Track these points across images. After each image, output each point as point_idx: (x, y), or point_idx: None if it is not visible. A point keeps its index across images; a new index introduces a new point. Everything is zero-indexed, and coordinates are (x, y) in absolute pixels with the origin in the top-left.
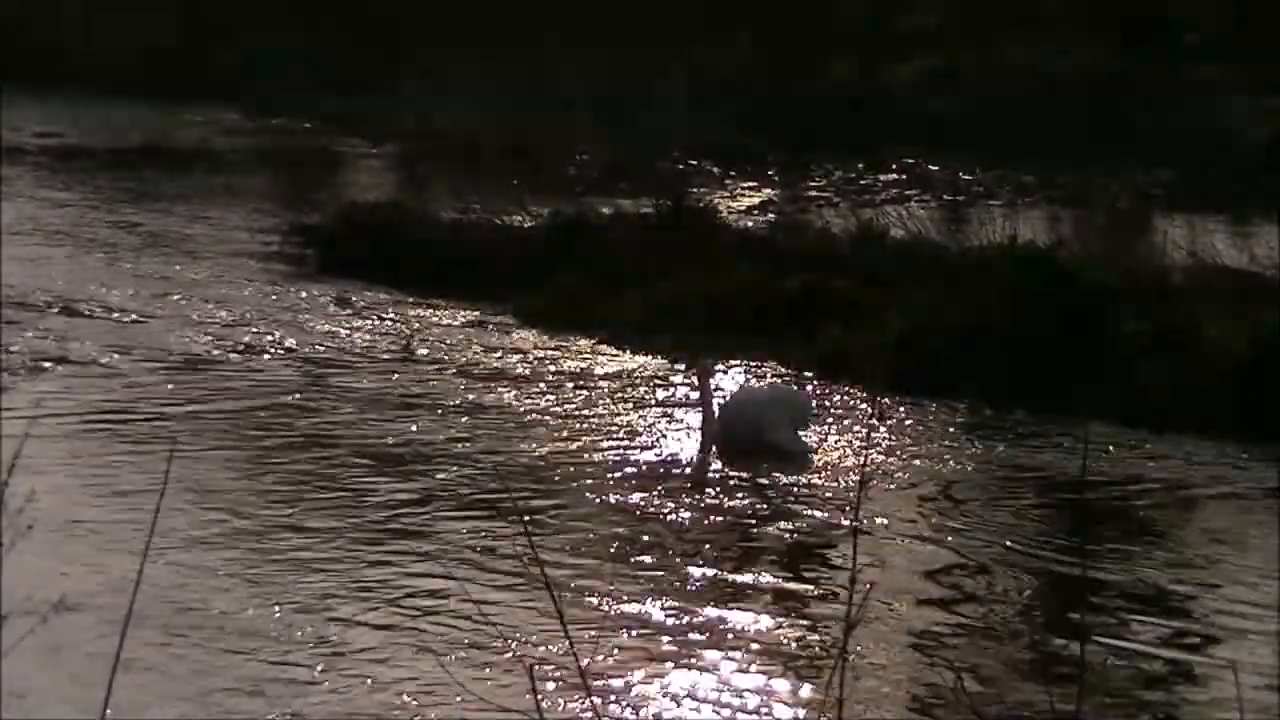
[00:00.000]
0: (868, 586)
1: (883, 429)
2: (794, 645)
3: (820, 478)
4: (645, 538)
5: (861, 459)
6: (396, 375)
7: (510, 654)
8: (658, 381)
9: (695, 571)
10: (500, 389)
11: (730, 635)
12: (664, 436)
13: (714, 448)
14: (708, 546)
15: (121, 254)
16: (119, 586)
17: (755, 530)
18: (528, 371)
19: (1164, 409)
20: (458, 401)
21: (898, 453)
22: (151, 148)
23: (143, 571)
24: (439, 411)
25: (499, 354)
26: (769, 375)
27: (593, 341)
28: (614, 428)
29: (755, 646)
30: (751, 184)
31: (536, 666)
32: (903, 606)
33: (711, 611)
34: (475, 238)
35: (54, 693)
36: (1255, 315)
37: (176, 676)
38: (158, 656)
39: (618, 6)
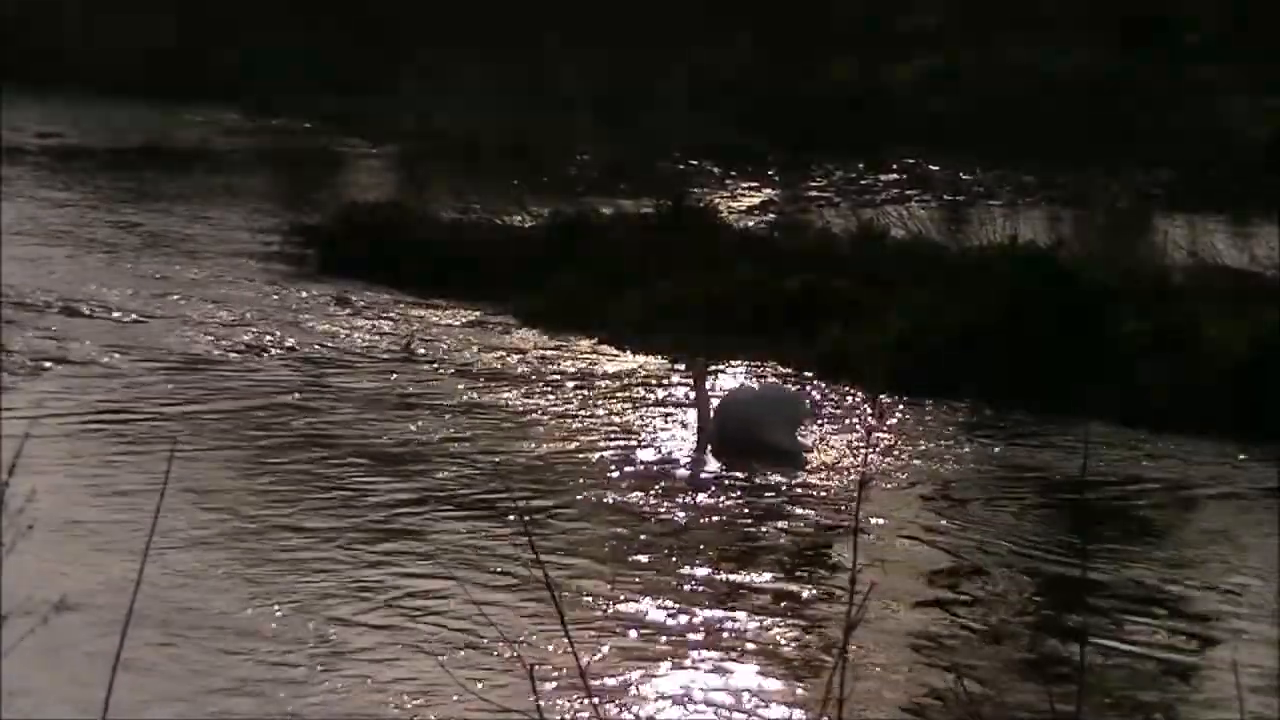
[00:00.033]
0: (868, 587)
1: (882, 429)
2: (793, 645)
3: (820, 478)
4: (645, 538)
5: (861, 459)
6: (396, 375)
7: (510, 654)
8: (658, 381)
9: (694, 571)
10: (500, 389)
11: (729, 635)
12: (663, 436)
13: (710, 447)
14: (707, 547)
15: (121, 254)
16: (118, 586)
17: (754, 530)
18: (528, 371)
19: (1164, 409)
20: (457, 401)
21: (897, 453)
22: (151, 148)
23: (143, 571)
24: (438, 411)
25: (499, 354)
26: (769, 375)
27: (593, 341)
28: (614, 428)
29: (754, 647)
30: (752, 184)
31: (536, 666)
32: (902, 607)
33: (711, 612)
34: (475, 238)
35: (53, 692)
36: (1255, 315)
37: (174, 676)
38: (156, 656)
39: (618, 6)
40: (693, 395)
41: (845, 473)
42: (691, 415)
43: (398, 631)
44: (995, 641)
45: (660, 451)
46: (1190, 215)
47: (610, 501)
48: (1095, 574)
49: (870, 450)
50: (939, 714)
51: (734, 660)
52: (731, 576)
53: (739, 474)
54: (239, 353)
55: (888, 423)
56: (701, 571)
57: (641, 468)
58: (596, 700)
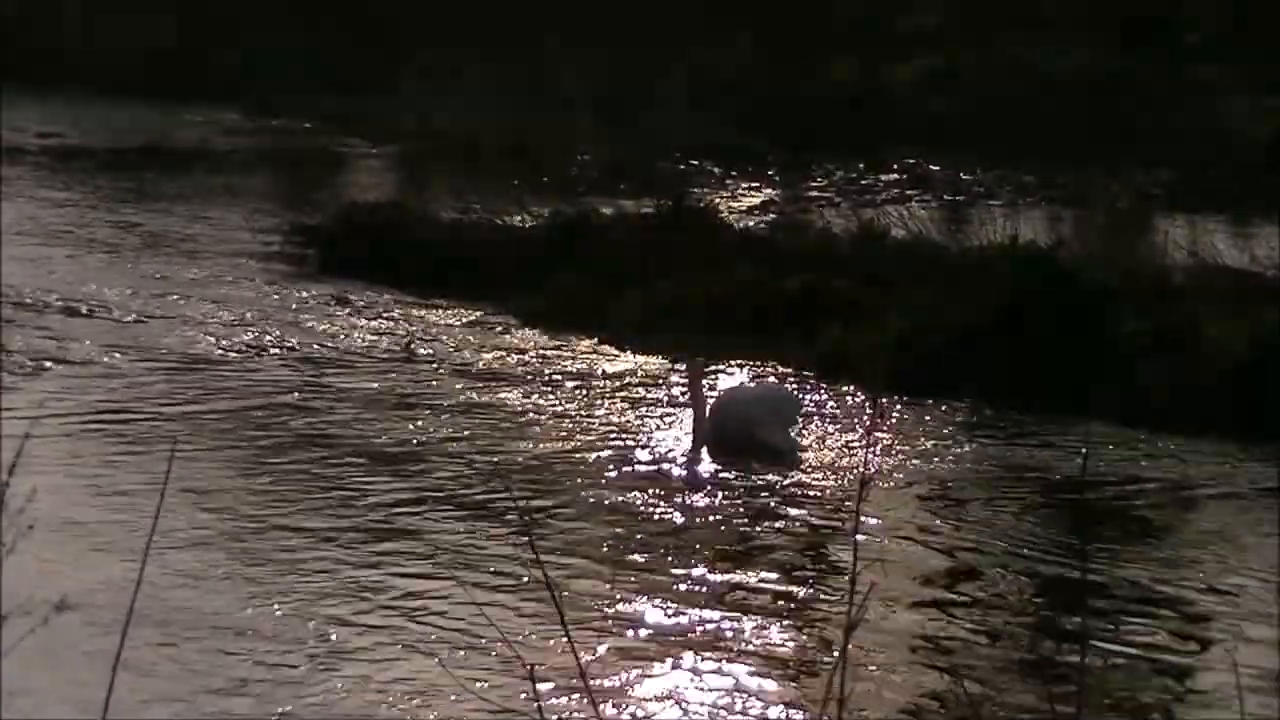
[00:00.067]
0: (868, 587)
1: (882, 429)
2: (793, 646)
3: (819, 478)
4: (644, 538)
5: (861, 459)
6: (396, 375)
7: (509, 654)
8: (658, 381)
9: (693, 572)
10: (500, 389)
11: (728, 636)
12: (663, 437)
13: (706, 447)
14: (706, 547)
15: (121, 254)
16: (117, 586)
17: (753, 530)
18: (528, 371)
19: (1164, 409)
20: (457, 401)
21: (897, 453)
22: (151, 148)
23: (143, 572)
24: (438, 411)
25: (499, 354)
26: (770, 375)
27: (593, 341)
28: (613, 428)
29: (754, 647)
30: (752, 184)
31: (535, 667)
32: (901, 607)
33: (709, 612)
34: (475, 238)
35: (52, 692)
36: (1255, 315)
37: (173, 676)
38: (155, 656)
39: (618, 6)
40: (689, 395)
41: (845, 473)
42: (689, 415)
43: (397, 631)
44: (995, 642)
45: (660, 451)
46: (1190, 215)
47: (609, 502)
48: (1095, 574)
49: (870, 450)
50: (939, 715)
51: (733, 661)
52: (730, 577)
53: (737, 474)
54: (239, 353)
55: (888, 423)
56: (700, 572)
57: (640, 468)
58: (596, 700)
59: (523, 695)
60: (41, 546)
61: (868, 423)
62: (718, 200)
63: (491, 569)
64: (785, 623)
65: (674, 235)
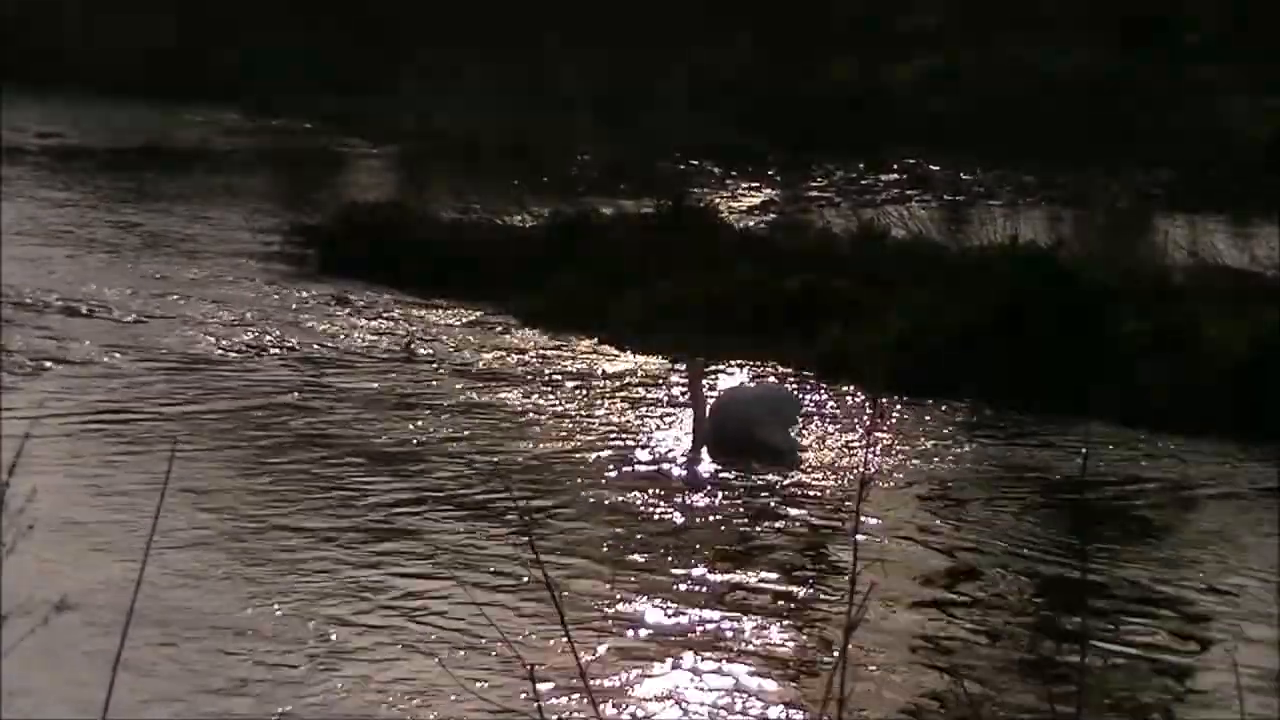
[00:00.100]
0: (868, 587)
1: (882, 429)
2: (792, 646)
3: (819, 478)
4: (644, 538)
5: (861, 459)
6: (396, 375)
7: (508, 654)
8: (658, 381)
9: (692, 572)
10: (500, 389)
11: (728, 636)
12: (663, 437)
13: (706, 447)
14: (705, 547)
15: (121, 254)
16: (116, 586)
17: (753, 530)
18: (528, 371)
19: (1164, 409)
20: (457, 401)
21: (897, 453)
22: (151, 148)
23: (144, 571)
24: (438, 411)
25: (499, 354)
26: (770, 375)
27: (593, 341)
28: (613, 428)
29: (753, 647)
30: (752, 184)
31: (535, 667)
32: (901, 607)
33: (709, 612)
34: (475, 238)
35: (50, 692)
36: (1255, 315)
37: (172, 676)
38: (154, 656)
39: (618, 6)
40: (689, 395)
41: (844, 473)
42: (689, 415)
43: (397, 631)
44: (995, 642)
45: (660, 452)
46: (1190, 215)
47: (609, 501)
48: (1095, 574)
49: (870, 450)
50: (939, 715)
51: (733, 661)
52: (730, 577)
53: (737, 474)
54: (239, 353)
55: (887, 423)
56: (700, 572)
57: (640, 468)
58: (596, 700)
59: (522, 695)
60: (41, 546)
61: (868, 423)
62: (718, 200)
63: (491, 569)
64: (785, 623)
65: (674, 235)
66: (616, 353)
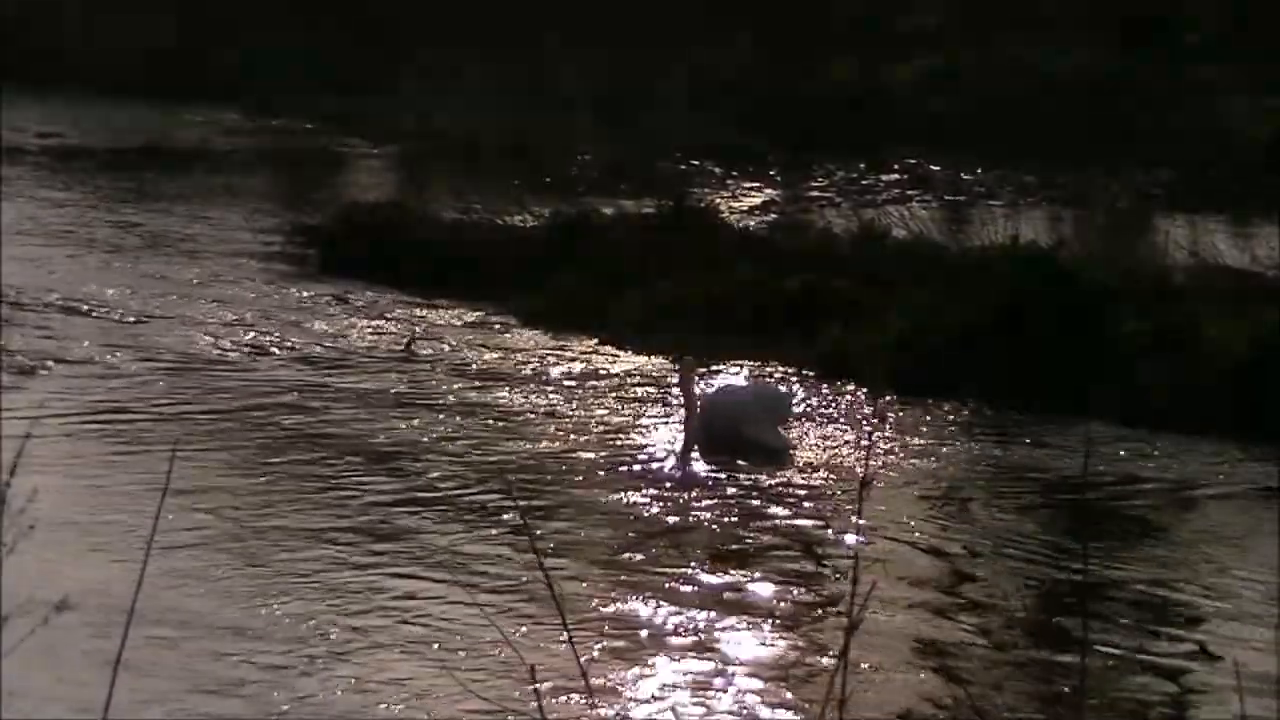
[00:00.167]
0: (869, 587)
1: (883, 429)
2: (793, 647)
3: (819, 478)
4: (642, 538)
5: (862, 459)
6: (396, 375)
7: (505, 654)
8: (657, 381)
9: (692, 572)
10: (500, 389)
11: (727, 636)
12: (663, 437)
13: (697, 446)
14: (704, 547)
15: (121, 254)
16: (116, 586)
17: (752, 531)
18: (528, 371)
19: (1164, 409)
20: (457, 401)
21: (897, 453)
22: (151, 148)
23: (144, 571)
24: (438, 411)
25: (499, 354)
26: (771, 375)
27: (593, 341)
28: (614, 428)
29: (753, 647)
30: (753, 184)
31: (533, 667)
32: (901, 608)
33: (709, 613)
34: (476, 238)
35: (49, 692)
36: (1255, 315)
37: (170, 676)
38: (152, 656)
39: (618, 6)
40: (682, 394)
41: (845, 473)
42: (682, 414)
43: (395, 631)
44: (995, 643)
45: (659, 452)
46: (1190, 215)
47: (607, 501)
48: (1095, 574)
49: (870, 451)
50: (939, 715)
51: (731, 662)
52: (729, 577)
53: (735, 474)
54: (239, 353)
55: (888, 423)
56: (698, 572)
57: (640, 468)
58: (595, 700)
59: (517, 694)
60: (41, 546)
61: (868, 423)
62: (718, 200)
63: (490, 569)
64: (784, 623)
65: (674, 235)
66: (616, 353)
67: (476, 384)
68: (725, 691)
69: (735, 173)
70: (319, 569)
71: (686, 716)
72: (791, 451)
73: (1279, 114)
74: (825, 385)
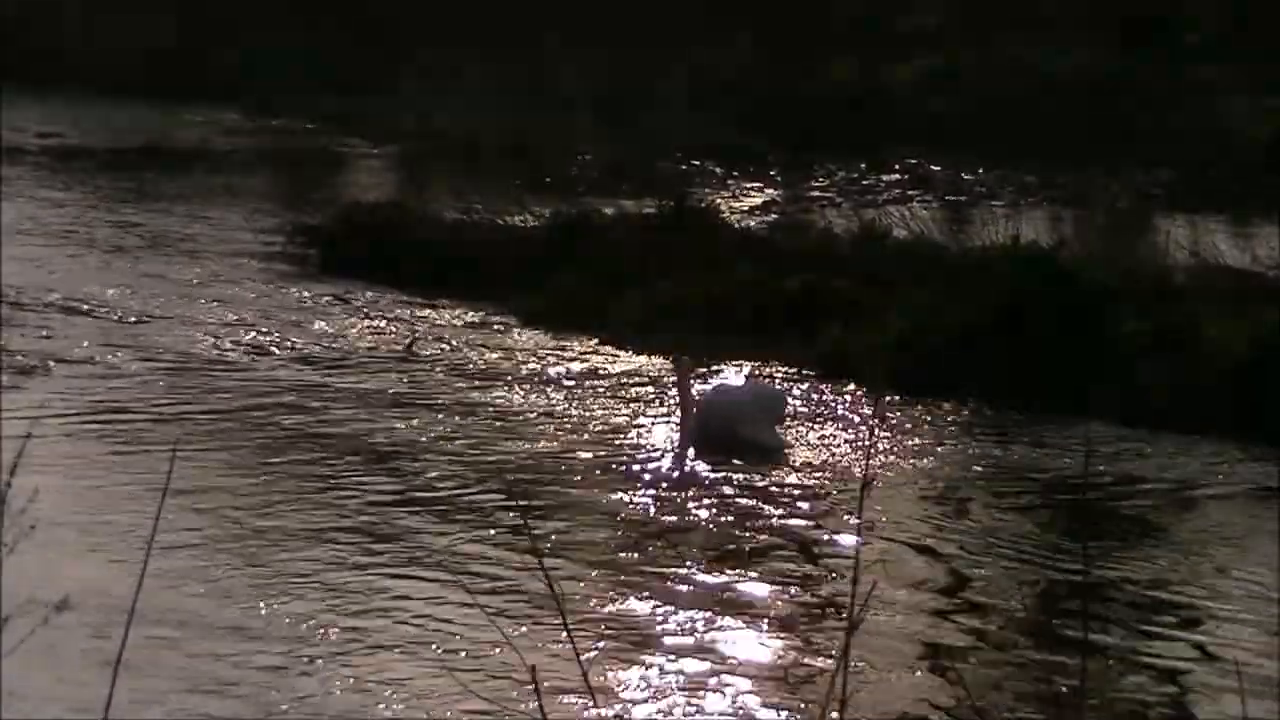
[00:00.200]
0: (869, 587)
1: (883, 429)
2: (793, 647)
3: (819, 478)
4: (640, 538)
5: (863, 459)
6: (397, 375)
7: (507, 653)
8: (657, 381)
9: (691, 573)
10: (500, 389)
11: (727, 636)
12: (662, 437)
13: (693, 445)
14: (703, 547)
15: (122, 254)
16: (112, 586)
17: (752, 531)
18: (528, 371)
19: (1164, 409)
20: (456, 401)
21: (897, 453)
22: (151, 148)
23: (145, 571)
24: (438, 411)
25: (500, 354)
26: (765, 375)
27: (593, 341)
28: (614, 428)
29: (753, 646)
30: (754, 184)
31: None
32: (900, 607)
33: (709, 613)
34: (476, 238)
35: (48, 692)
36: (1255, 315)
37: (167, 676)
38: (148, 656)
39: (618, 6)
40: (678, 394)
41: (844, 473)
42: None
43: (395, 631)
44: (995, 643)
45: (658, 452)
46: (1190, 215)
47: (607, 502)
48: (1095, 575)
49: (871, 451)
50: (940, 715)
51: (732, 661)
52: (728, 577)
53: (735, 474)
54: (239, 353)
55: (888, 423)
56: (697, 573)
57: (637, 467)
58: (595, 700)
59: (516, 695)
60: (41, 546)
61: (868, 423)
62: (719, 200)
63: (490, 569)
64: (784, 624)
65: (674, 235)
66: (616, 353)
67: (476, 384)
68: (725, 692)
69: (736, 173)
70: (318, 569)
71: (686, 717)
72: (787, 451)
73: (1279, 114)
74: (825, 385)
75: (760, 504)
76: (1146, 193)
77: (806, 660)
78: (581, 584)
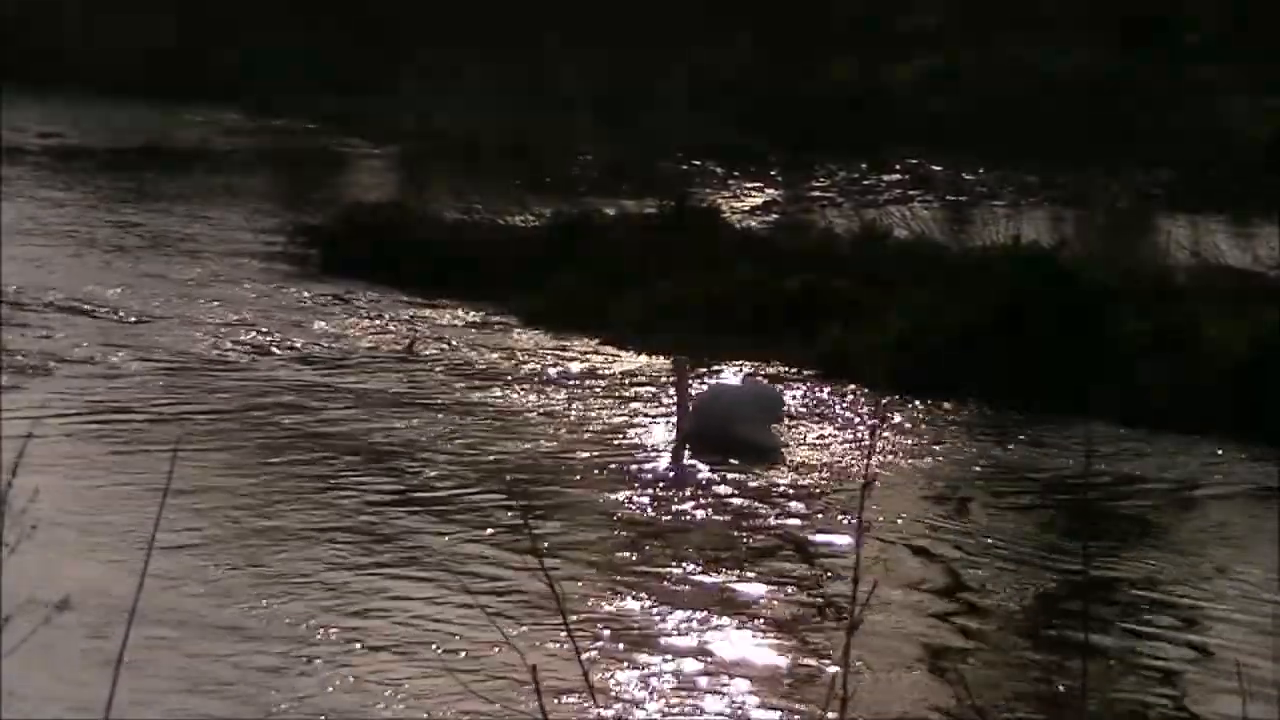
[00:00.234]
0: (870, 587)
1: (883, 429)
2: (793, 647)
3: (819, 478)
4: (641, 539)
5: (863, 459)
6: (397, 375)
7: (507, 653)
8: (657, 381)
9: (690, 573)
10: (501, 389)
11: (727, 636)
12: (661, 437)
13: (688, 445)
14: (702, 547)
15: (122, 254)
16: (112, 586)
17: (752, 531)
18: (529, 371)
19: (1164, 409)
20: (457, 401)
21: (897, 453)
22: (151, 148)
23: (146, 571)
24: (438, 411)
25: (500, 354)
26: (761, 374)
27: (593, 341)
28: (614, 428)
29: (753, 646)
30: (755, 184)
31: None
32: (900, 607)
33: (709, 613)
34: (476, 238)
35: (46, 692)
36: (1255, 315)
37: (166, 676)
38: (147, 656)
39: (618, 6)
40: (675, 393)
41: (844, 473)
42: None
43: (395, 631)
44: (995, 643)
45: (657, 452)
46: (1190, 215)
47: (607, 502)
48: (1096, 575)
49: (872, 451)
50: (939, 716)
51: (732, 662)
52: (728, 578)
53: (734, 474)
54: (240, 353)
55: (888, 423)
56: (698, 573)
57: (639, 468)
58: (595, 701)
59: (515, 695)
60: (42, 546)
61: (869, 423)
62: (719, 200)
63: (489, 569)
64: (784, 624)
65: (674, 235)
66: (616, 353)
67: (476, 384)
68: (724, 692)
69: (736, 173)
70: (318, 569)
71: (686, 717)
72: (785, 450)
73: (1279, 114)
74: (825, 385)
75: (760, 504)
76: (1146, 193)
77: (806, 660)
78: (581, 584)
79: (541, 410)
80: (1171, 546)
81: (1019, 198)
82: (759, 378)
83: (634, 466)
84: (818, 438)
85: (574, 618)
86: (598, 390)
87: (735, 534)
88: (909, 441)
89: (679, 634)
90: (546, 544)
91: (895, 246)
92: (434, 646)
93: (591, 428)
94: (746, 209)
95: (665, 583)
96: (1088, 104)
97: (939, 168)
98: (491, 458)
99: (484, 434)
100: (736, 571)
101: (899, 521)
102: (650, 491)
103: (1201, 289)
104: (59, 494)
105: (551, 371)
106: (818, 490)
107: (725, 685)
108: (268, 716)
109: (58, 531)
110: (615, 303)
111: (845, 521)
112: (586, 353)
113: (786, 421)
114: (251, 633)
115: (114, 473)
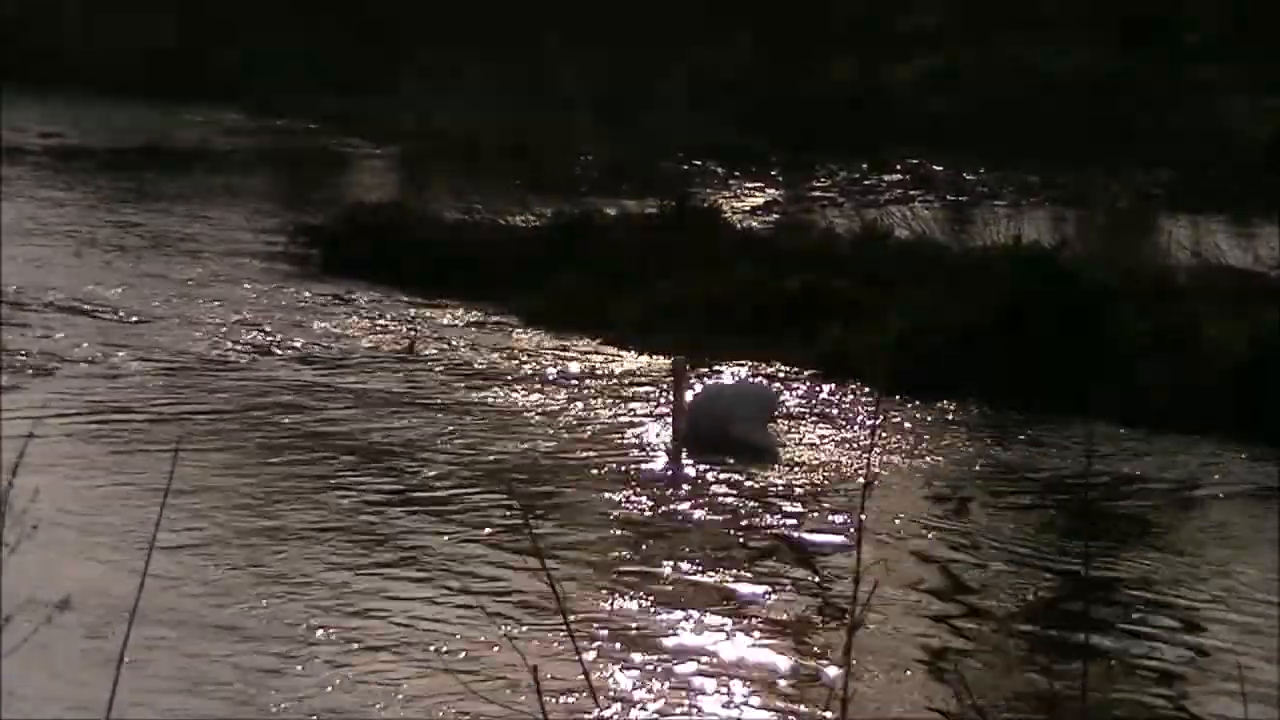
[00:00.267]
0: (871, 588)
1: (883, 429)
2: (793, 647)
3: (819, 478)
4: (641, 539)
5: (863, 460)
6: (398, 375)
7: (507, 653)
8: (657, 381)
9: (692, 573)
10: (501, 389)
11: (727, 636)
12: (662, 437)
13: (685, 444)
14: (704, 548)
15: (122, 254)
16: (112, 586)
17: (752, 531)
18: (528, 371)
19: (1164, 409)
20: (457, 401)
21: (897, 453)
22: (151, 148)
23: (147, 571)
24: (438, 411)
25: (500, 354)
26: (758, 374)
27: (593, 341)
28: (613, 428)
29: (753, 647)
30: (755, 184)
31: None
32: (901, 608)
33: (708, 613)
34: (477, 238)
35: (46, 692)
36: (1255, 315)
37: (165, 676)
38: (146, 656)
39: (618, 6)
40: (673, 393)
41: (844, 473)
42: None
43: (395, 631)
44: (995, 643)
45: (658, 452)
46: (1191, 215)
47: (607, 502)
48: (1096, 575)
49: (872, 451)
50: (939, 715)
51: (732, 662)
52: (727, 578)
53: (734, 474)
54: (240, 353)
55: (888, 423)
56: (697, 573)
57: (639, 468)
58: (596, 701)
59: (514, 695)
60: (42, 546)
61: (868, 423)
62: (721, 201)
63: (489, 570)
64: (784, 625)
65: (675, 235)
66: (616, 353)
67: (476, 384)
68: (724, 692)
69: (737, 173)
70: (318, 569)
71: (686, 717)
72: (779, 450)
73: (1279, 114)
74: (825, 385)
75: (760, 504)
76: (1146, 193)
77: (806, 661)
78: (580, 584)
79: (541, 410)
80: (1171, 547)
81: (1019, 198)
82: (755, 378)
83: (635, 467)
84: (818, 438)
85: (573, 618)
86: (597, 390)
87: (733, 534)
88: (909, 441)
89: (679, 634)
90: (547, 544)
91: (895, 246)
92: (433, 646)
93: (591, 428)
94: (747, 209)
95: (664, 583)
96: (1088, 104)
97: (939, 168)
98: (491, 458)
99: (483, 434)
100: (736, 572)
101: (899, 521)
102: (649, 492)
103: (1201, 289)
104: (59, 494)
105: (551, 371)
106: (818, 490)
107: (725, 685)
108: (267, 716)
109: (58, 531)
110: (615, 303)
111: (845, 522)
112: (586, 353)
113: (786, 421)
114: (251, 633)
115: (114, 473)
